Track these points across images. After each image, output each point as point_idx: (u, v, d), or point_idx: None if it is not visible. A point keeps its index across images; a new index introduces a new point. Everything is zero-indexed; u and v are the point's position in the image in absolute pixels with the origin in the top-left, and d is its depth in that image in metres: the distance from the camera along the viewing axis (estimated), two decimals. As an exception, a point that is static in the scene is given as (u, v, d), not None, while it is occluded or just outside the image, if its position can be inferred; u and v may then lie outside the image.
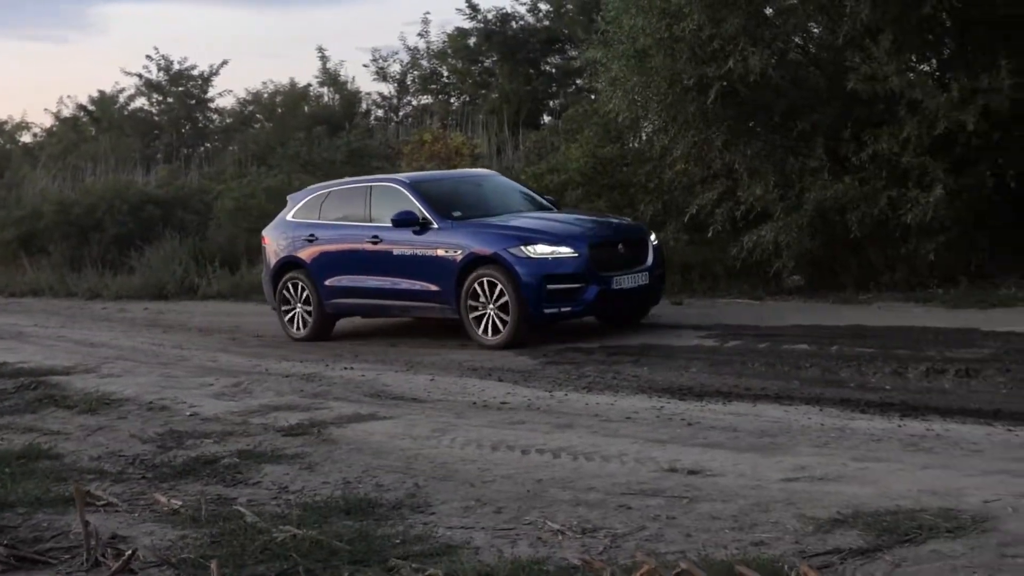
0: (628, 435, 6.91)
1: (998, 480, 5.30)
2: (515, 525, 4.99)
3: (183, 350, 12.58)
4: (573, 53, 26.04)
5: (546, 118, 26.84)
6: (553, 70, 27.89)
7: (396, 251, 11.92)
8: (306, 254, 12.84)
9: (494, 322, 11.07)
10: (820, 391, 8.16)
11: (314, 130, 23.78)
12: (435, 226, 11.63)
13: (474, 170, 14.30)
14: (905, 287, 12.88)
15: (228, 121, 32.14)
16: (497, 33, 27.13)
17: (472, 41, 27.69)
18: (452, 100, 28.94)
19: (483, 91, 27.58)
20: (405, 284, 11.88)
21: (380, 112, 30.20)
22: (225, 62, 33.29)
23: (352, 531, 4.88)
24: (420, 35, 28.47)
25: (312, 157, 21.05)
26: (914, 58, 13.78)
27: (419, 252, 11.72)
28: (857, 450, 6.22)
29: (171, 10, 55.50)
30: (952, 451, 6.09)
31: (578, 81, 25.85)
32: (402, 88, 29.65)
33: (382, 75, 29.16)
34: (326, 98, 30.42)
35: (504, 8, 27.07)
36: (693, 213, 14.51)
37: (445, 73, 29.14)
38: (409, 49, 28.47)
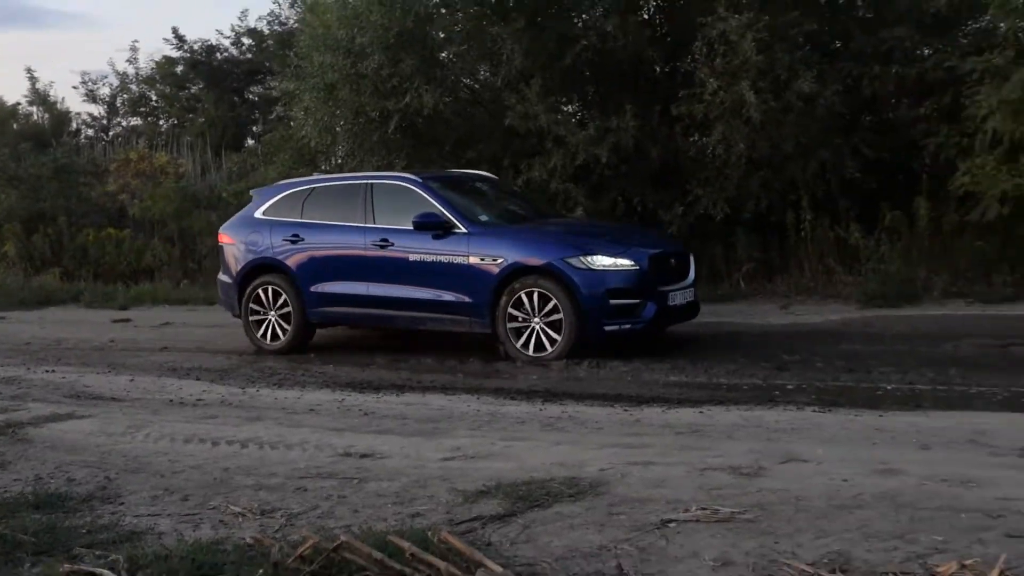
0: (311, 425, 6.84)
1: (613, 452, 5.61)
2: (200, 511, 4.87)
3: None
4: (274, 83, 25.65)
5: (250, 141, 26.24)
6: (256, 98, 27.29)
7: (412, 257, 9.68)
8: (287, 256, 10.42)
9: (540, 337, 9.10)
10: (480, 382, 8.39)
11: (19, 146, 22.20)
12: (463, 231, 9.49)
13: (473, 171, 11.97)
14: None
15: (-69, 135, 29.44)
16: (203, 63, 26.35)
17: (179, 69, 26.77)
18: (161, 122, 27.82)
19: (190, 115, 26.65)
20: (423, 293, 9.64)
21: (90, 132, 28.62)
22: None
23: (39, 524, 4.58)
24: (129, 61, 27.27)
25: (18, 172, 19.69)
26: (563, 99, 14.44)
27: (444, 259, 9.49)
28: (505, 431, 6.42)
29: None
30: (580, 429, 6.39)
31: (278, 109, 25.48)
32: (112, 110, 28.24)
33: (92, 97, 27.73)
34: (35, 117, 28.53)
35: (209, 40, 26.30)
36: (377, 228, 14.64)
37: (154, 97, 27.98)
38: (119, 74, 27.23)
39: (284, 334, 10.40)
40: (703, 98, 12.22)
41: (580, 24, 13.54)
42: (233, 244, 10.91)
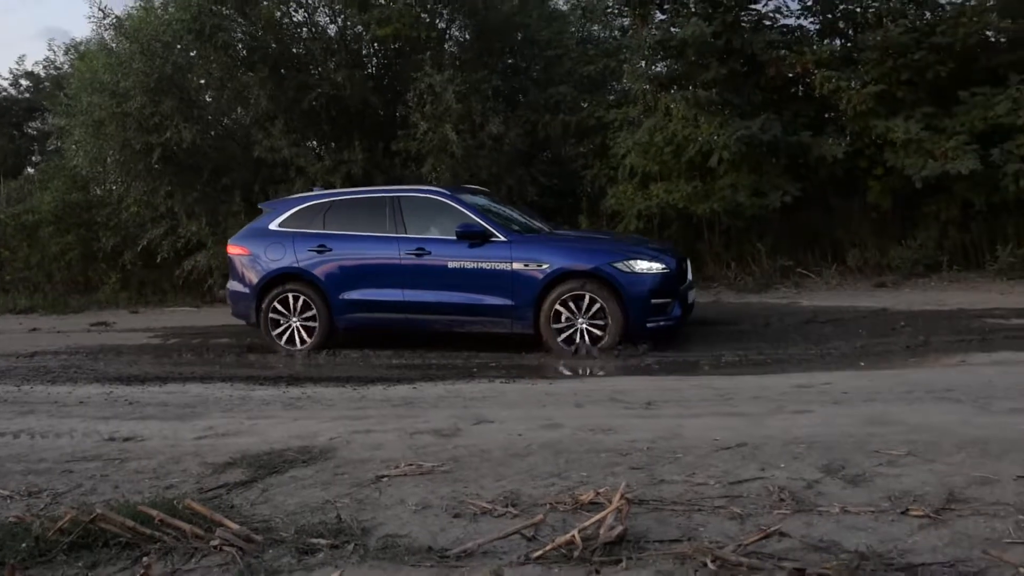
0: (80, 415, 6.28)
1: (341, 424, 5.51)
2: (-31, 496, 4.39)
3: None
4: (50, 120, 23.60)
5: (29, 170, 23.96)
6: (34, 132, 24.92)
7: (452, 264, 8.42)
8: (314, 266, 8.91)
9: (584, 336, 8.10)
10: (234, 371, 8.00)
11: None
12: (502, 239, 8.35)
13: (476, 186, 10.57)
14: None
15: None
16: (-17, 102, 23.87)
17: (-38, 107, 24.08)
18: (-58, 153, 24.90)
19: (-29, 148, 24.06)
20: (463, 298, 8.42)
21: None
22: None
23: None
24: (-95, 99, 24.25)
25: None
26: (303, 136, 14.13)
27: (486, 266, 8.32)
28: (252, 412, 6.16)
29: None
30: (316, 406, 6.23)
31: (53, 141, 23.44)
32: (-102, 141, 24.98)
33: None
34: None
35: (-12, 82, 23.87)
36: (145, 244, 13.84)
37: (-65, 132, 24.97)
38: None
39: (309, 338, 8.93)
40: (416, 137, 12.37)
41: (316, 75, 13.32)
42: (249, 255, 9.25)
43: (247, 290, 9.25)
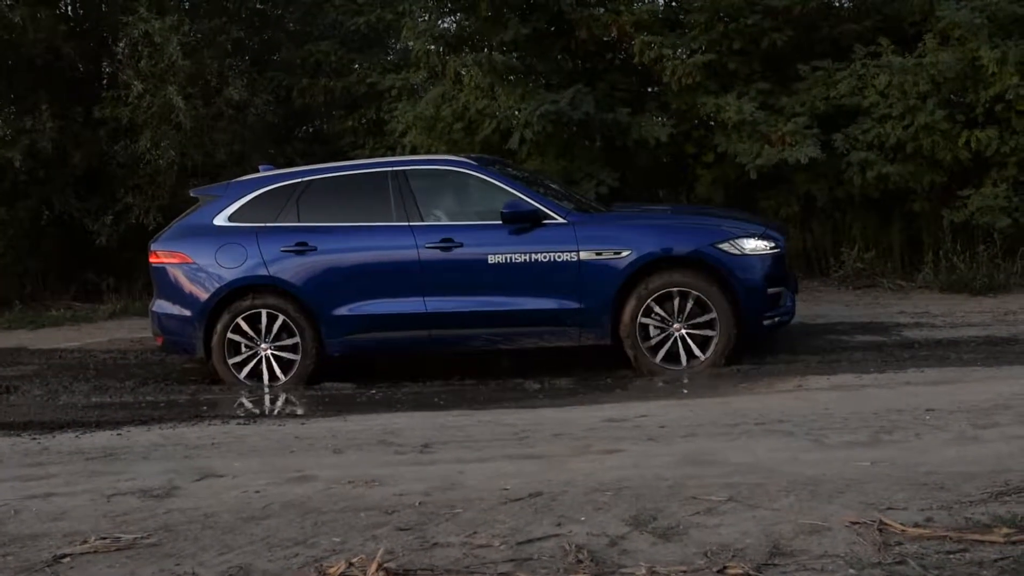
0: None
1: (10, 487, 5.23)
2: None
3: None
4: None
5: None
6: None
7: (494, 258, 7.86)
8: (292, 272, 8.09)
9: (682, 344, 7.71)
10: None
11: None
12: (560, 221, 7.88)
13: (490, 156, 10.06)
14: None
15: None
16: None
17: None
18: None
19: None
20: (511, 303, 7.92)
21: None
22: None
23: None
24: None
25: None
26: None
27: (542, 257, 7.82)
28: None
29: None
30: (-25, 465, 5.88)
31: None
32: None
33: None
34: None
35: None
36: None
37: None
38: None
39: (287, 371, 8.14)
40: (128, 101, 11.94)
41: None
42: (189, 263, 8.33)
43: (188, 312, 8.33)
